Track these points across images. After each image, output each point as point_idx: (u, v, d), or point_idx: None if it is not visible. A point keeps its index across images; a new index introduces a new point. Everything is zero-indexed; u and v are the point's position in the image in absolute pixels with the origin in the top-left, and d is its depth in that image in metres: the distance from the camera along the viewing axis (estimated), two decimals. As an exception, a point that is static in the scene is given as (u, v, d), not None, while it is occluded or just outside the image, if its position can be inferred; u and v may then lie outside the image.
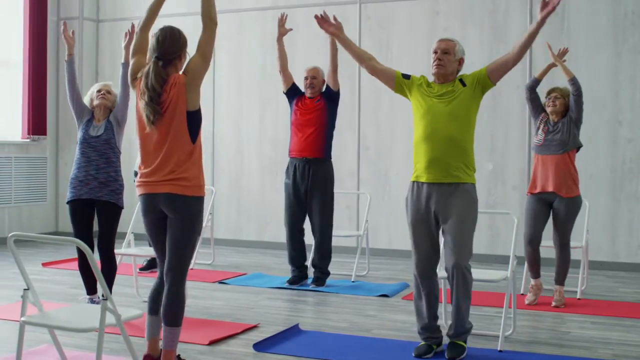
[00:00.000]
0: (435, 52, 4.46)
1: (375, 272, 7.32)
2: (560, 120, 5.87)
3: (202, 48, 3.77)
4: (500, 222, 7.75)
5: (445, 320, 4.86)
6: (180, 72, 3.78)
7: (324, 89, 6.59)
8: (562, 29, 7.76)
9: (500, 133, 7.98)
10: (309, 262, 6.67)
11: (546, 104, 5.96)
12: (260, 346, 4.50)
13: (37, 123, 9.20)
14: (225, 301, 5.92)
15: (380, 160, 8.52)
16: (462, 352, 4.38)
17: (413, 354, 4.42)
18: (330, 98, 6.49)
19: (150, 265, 7.24)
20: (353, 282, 6.74)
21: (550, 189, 5.79)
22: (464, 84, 4.40)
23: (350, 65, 8.61)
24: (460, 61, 4.50)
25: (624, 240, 7.56)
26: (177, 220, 3.71)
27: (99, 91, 5.26)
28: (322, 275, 6.53)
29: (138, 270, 7.09)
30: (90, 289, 5.32)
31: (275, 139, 8.92)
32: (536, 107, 6.03)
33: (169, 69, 3.75)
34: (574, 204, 5.81)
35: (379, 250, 8.36)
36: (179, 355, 3.90)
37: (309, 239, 6.71)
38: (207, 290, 6.38)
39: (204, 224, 7.58)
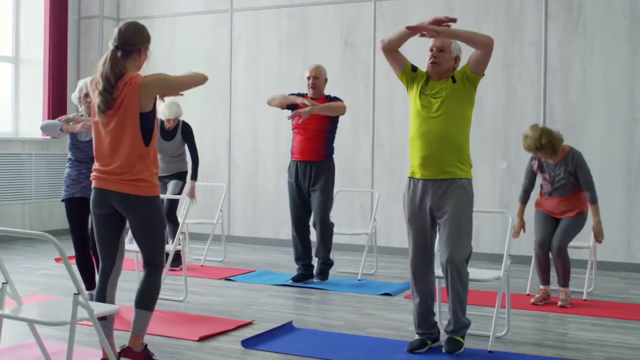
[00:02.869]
0: (431, 50, 4.45)
1: (384, 270, 7.28)
2: (560, 163, 5.75)
3: (181, 77, 3.79)
4: (514, 222, 7.64)
5: (440, 320, 4.80)
6: (140, 73, 3.74)
7: (325, 91, 6.57)
8: (577, 25, 7.63)
9: (514, 132, 7.87)
10: (314, 262, 6.66)
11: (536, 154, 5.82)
12: (248, 343, 4.51)
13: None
14: (226, 298, 5.93)
15: (394, 159, 8.47)
16: (460, 346, 4.39)
17: (406, 349, 4.43)
18: None
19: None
20: (359, 280, 6.72)
21: (559, 216, 5.87)
22: (454, 81, 4.38)
23: (364, 63, 8.61)
24: (457, 59, 4.49)
25: (639, 241, 7.41)
26: (134, 221, 3.76)
27: (86, 95, 5.24)
28: (325, 267, 6.52)
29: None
30: (89, 284, 5.38)
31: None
32: (532, 179, 5.99)
33: (128, 62, 3.71)
34: (581, 219, 5.84)
35: (393, 249, 8.32)
36: (145, 345, 3.91)
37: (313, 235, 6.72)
38: (211, 287, 6.40)
39: (214, 221, 7.68)
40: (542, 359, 4.33)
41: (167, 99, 6.17)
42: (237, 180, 9.34)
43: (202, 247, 7.98)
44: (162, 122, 6.97)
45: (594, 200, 5.72)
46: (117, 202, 3.73)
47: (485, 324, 5.07)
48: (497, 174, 7.93)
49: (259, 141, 9.22)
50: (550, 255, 5.84)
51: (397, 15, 8.41)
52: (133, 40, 3.71)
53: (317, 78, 6.48)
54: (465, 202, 4.35)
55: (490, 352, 4.44)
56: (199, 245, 8.25)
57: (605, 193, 7.35)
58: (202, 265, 7.44)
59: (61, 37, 9.47)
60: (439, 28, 4.23)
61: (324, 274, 6.52)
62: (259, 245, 9.04)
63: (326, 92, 6.63)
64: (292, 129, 6.60)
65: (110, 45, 3.70)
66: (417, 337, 4.50)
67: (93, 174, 3.81)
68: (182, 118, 7.13)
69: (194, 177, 7.04)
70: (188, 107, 9.51)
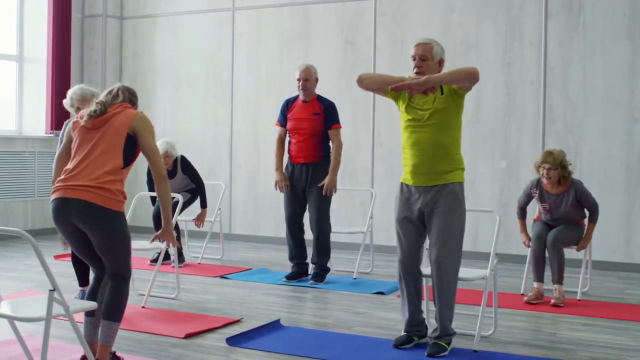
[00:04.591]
0: (414, 59, 4.41)
1: (380, 269, 7.28)
2: (560, 193, 5.80)
3: (157, 148, 3.89)
4: (512, 221, 7.60)
5: (427, 319, 4.79)
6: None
7: (319, 90, 6.55)
8: (577, 24, 7.58)
9: (513, 131, 7.84)
10: (309, 260, 6.66)
11: (541, 174, 5.83)
12: (233, 340, 4.51)
13: (60, 118, 9.34)
14: (218, 296, 5.95)
15: (394, 158, 8.44)
16: (443, 350, 4.35)
17: (393, 344, 4.47)
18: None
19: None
20: (354, 279, 6.72)
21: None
22: (442, 91, 4.35)
23: (365, 62, 8.59)
24: (441, 62, 4.46)
25: (639, 240, 7.35)
26: (95, 236, 3.63)
27: (78, 109, 5.03)
28: (321, 272, 6.51)
29: (149, 262, 7.22)
30: (83, 280, 5.41)
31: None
32: (529, 200, 6.03)
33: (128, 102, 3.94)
34: (581, 229, 5.94)
35: (392, 247, 8.25)
36: (114, 352, 3.89)
37: (309, 235, 6.72)
38: (205, 284, 6.42)
39: (212, 219, 7.69)
40: (527, 359, 4.30)
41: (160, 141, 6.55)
42: (238, 178, 9.36)
43: (201, 245, 8.01)
44: None
45: (594, 220, 5.85)
46: (77, 212, 3.58)
47: (473, 323, 5.05)
48: (496, 172, 7.90)
49: (260, 139, 9.23)
50: (547, 254, 5.84)
51: (398, 13, 8.39)
52: (133, 93, 4.00)
53: (307, 80, 6.45)
54: (454, 205, 4.35)
55: (475, 351, 4.42)
56: (198, 243, 8.27)
57: (605, 192, 7.31)
58: (199, 263, 7.47)
59: (65, 36, 9.52)
60: (423, 80, 4.17)
61: (319, 277, 6.49)
62: (260, 244, 9.05)
63: (325, 90, 6.63)
64: (288, 132, 6.61)
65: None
66: (403, 333, 4.52)
67: (56, 185, 3.71)
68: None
69: (204, 205, 7.16)
70: (189, 106, 9.57)
